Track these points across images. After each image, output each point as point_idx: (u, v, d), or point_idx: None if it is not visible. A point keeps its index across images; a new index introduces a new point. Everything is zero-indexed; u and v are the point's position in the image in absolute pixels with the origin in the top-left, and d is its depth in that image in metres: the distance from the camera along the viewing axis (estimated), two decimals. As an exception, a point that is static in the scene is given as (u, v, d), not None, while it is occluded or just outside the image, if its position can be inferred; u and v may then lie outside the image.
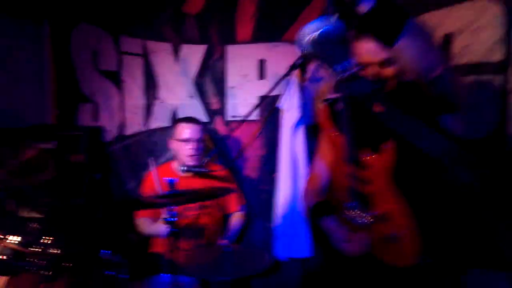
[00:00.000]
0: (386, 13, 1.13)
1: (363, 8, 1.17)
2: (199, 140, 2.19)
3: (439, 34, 2.07)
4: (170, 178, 1.55)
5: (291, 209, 2.28)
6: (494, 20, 1.96)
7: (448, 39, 2.06)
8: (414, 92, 1.22)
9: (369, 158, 1.26)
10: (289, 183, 2.29)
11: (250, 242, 2.51)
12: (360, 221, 1.19)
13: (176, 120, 2.44)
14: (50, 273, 1.53)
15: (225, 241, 1.95)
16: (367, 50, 1.20)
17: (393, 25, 1.10)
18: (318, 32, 0.82)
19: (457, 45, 2.05)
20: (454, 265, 1.63)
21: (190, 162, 2.16)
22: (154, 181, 1.98)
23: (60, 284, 1.54)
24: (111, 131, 3.08)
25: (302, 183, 2.29)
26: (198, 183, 2.15)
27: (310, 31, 0.87)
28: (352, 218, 1.20)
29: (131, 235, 2.44)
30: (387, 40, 1.13)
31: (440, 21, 2.07)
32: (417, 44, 1.07)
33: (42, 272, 1.56)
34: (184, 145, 2.17)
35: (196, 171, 2.03)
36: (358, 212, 1.19)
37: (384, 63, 1.21)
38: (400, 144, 1.22)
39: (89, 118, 3.15)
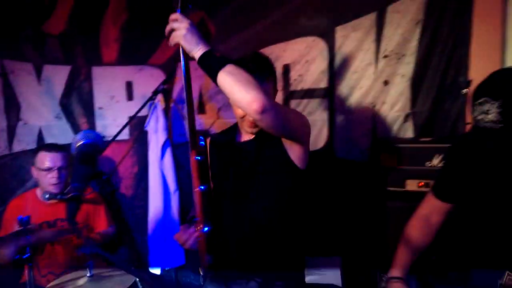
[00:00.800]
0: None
1: None
2: (61, 168, 2.17)
3: (279, 64, 2.45)
4: (20, 216, 1.58)
5: (163, 222, 2.46)
6: (321, 54, 2.41)
7: (286, 69, 2.46)
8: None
9: None
10: (159, 199, 2.46)
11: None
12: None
13: (37, 148, 2.34)
14: None
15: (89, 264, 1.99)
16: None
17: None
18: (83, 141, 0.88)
19: (293, 74, 2.46)
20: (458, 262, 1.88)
21: (53, 190, 2.15)
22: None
23: None
24: (-33, 157, 2.84)
25: (172, 198, 2.49)
26: (65, 209, 2.19)
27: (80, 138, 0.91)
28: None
29: None
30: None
31: (279, 54, 2.45)
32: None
33: None
34: (46, 174, 2.14)
35: (60, 198, 2.07)
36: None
37: None
38: None
39: None
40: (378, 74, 2.33)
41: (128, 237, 0.76)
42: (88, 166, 0.80)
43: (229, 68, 1.16)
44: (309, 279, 2.08)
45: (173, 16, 1.14)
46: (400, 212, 1.81)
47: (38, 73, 2.70)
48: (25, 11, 2.63)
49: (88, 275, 1.67)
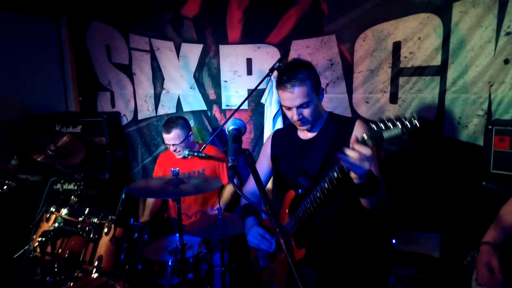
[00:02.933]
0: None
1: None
2: (176, 144, 2.62)
3: (389, 42, 2.50)
4: (173, 169, 2.11)
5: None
6: (435, 30, 2.38)
7: (397, 46, 2.50)
8: None
9: None
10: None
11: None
12: None
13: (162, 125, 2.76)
14: (93, 236, 2.16)
15: (218, 209, 2.49)
16: (286, 97, 1.55)
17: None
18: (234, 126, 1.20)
19: (404, 51, 2.48)
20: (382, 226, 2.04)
21: (178, 156, 2.70)
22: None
23: (103, 241, 2.18)
24: (126, 116, 3.65)
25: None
26: (198, 164, 2.73)
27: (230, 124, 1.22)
28: None
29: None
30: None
31: (390, 31, 2.49)
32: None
33: (86, 235, 2.19)
34: (171, 147, 2.67)
35: (197, 155, 2.61)
36: None
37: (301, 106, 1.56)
38: None
39: (107, 105, 3.71)
40: (498, 52, 2.21)
41: (265, 194, 1.06)
42: (237, 144, 1.13)
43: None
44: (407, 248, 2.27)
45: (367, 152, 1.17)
46: (503, 196, 1.84)
47: (177, 50, 3.26)
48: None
49: (219, 216, 2.17)
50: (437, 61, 2.40)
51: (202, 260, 2.29)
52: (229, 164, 1.02)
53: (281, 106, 2.75)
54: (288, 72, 1.54)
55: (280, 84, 1.56)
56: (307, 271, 1.61)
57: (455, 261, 2.35)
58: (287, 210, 1.67)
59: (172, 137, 2.60)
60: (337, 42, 2.69)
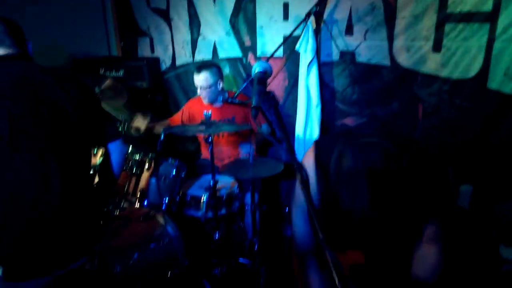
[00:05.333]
0: None
1: None
2: (207, 86, 2.65)
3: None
4: (205, 112, 2.21)
5: (304, 132, 2.88)
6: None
7: (445, -11, 2.32)
8: None
9: None
10: (303, 112, 2.85)
11: (270, 154, 3.23)
12: None
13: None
14: (136, 171, 2.36)
15: (250, 151, 2.60)
16: None
17: None
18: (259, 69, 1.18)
19: (452, -5, 2.31)
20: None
21: (204, 102, 2.75)
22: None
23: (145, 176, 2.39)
24: (165, 62, 3.74)
25: (313, 112, 2.84)
26: (229, 112, 2.81)
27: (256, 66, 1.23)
28: None
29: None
30: None
31: (439, -27, 2.30)
32: None
33: (129, 170, 2.40)
34: (198, 89, 2.72)
35: (231, 101, 2.68)
36: None
37: None
38: None
39: (147, 51, 3.81)
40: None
41: (286, 134, 1.09)
42: (262, 86, 1.17)
43: None
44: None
45: None
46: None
47: (214, -5, 3.23)
48: None
49: (250, 161, 2.28)
50: (487, 6, 2.22)
51: (234, 198, 2.46)
52: (253, 105, 1.07)
53: (316, 53, 2.72)
54: None
55: None
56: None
57: (481, 212, 2.36)
58: None
59: (200, 79, 2.66)
60: (380, -17, 2.53)
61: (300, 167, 0.98)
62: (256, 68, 1.25)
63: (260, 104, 1.10)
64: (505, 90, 2.28)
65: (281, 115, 1.18)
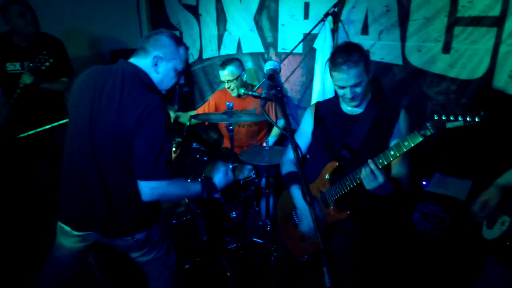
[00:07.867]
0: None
1: None
2: (230, 80, 2.92)
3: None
4: (228, 103, 2.46)
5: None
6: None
7: (455, -6, 2.46)
8: None
9: None
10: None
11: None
12: None
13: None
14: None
15: (266, 141, 2.83)
16: (342, 78, 1.74)
17: None
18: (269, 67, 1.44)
19: (463, 0, 2.44)
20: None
21: (232, 94, 3.01)
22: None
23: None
24: (193, 55, 4.02)
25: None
26: (250, 104, 3.06)
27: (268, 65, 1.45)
28: None
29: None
30: None
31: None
32: None
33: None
34: (226, 84, 2.98)
35: (251, 94, 2.92)
36: None
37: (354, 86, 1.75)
38: None
39: (177, 44, 4.08)
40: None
41: (287, 120, 1.37)
42: (270, 81, 1.41)
43: None
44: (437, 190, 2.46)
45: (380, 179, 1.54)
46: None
47: (240, -7, 3.45)
48: None
49: (266, 148, 2.53)
50: (495, 11, 2.35)
51: (250, 183, 2.72)
52: (262, 96, 1.32)
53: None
54: (343, 55, 1.71)
55: (335, 66, 1.74)
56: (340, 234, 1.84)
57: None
58: (327, 177, 1.84)
59: (226, 74, 2.92)
60: (395, -13, 2.69)
61: (296, 147, 1.25)
62: (268, 66, 1.50)
63: (268, 96, 1.36)
64: (509, 91, 2.42)
65: (284, 104, 1.45)
